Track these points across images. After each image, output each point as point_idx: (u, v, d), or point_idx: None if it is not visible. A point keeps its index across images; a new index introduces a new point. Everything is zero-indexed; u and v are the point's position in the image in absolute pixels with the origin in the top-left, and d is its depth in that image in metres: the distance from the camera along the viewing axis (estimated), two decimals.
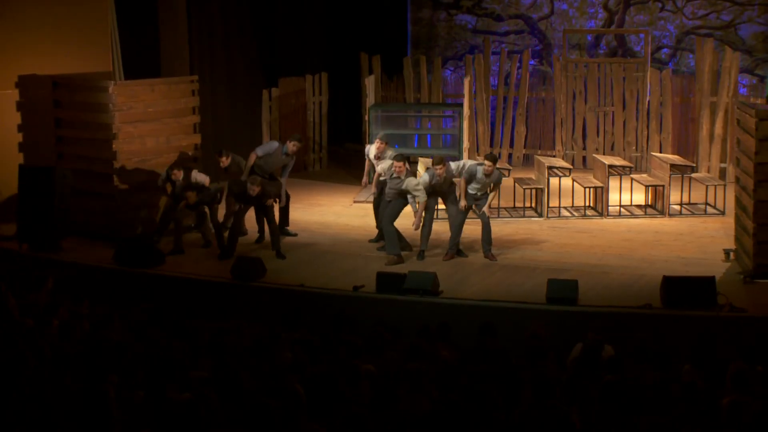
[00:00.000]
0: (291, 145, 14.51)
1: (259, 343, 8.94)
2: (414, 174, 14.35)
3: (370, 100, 18.13)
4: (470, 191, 13.47)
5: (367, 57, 20.01)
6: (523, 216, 15.65)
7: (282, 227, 14.46)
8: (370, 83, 18.40)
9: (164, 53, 17.62)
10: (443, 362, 8.51)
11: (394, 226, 13.47)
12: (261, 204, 13.77)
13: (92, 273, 13.28)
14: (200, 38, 18.10)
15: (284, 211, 14.68)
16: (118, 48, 16.20)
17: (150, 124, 14.64)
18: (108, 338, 9.01)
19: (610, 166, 15.60)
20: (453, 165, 13.64)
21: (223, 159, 14.60)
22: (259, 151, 14.62)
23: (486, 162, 13.41)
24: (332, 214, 16.10)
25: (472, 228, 13.64)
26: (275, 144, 14.86)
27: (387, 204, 13.54)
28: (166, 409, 6.51)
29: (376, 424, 6.66)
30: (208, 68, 18.14)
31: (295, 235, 14.66)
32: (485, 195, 13.57)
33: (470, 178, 13.43)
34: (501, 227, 14.87)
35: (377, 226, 14.13)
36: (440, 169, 13.25)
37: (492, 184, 13.52)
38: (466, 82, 17.89)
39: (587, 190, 15.78)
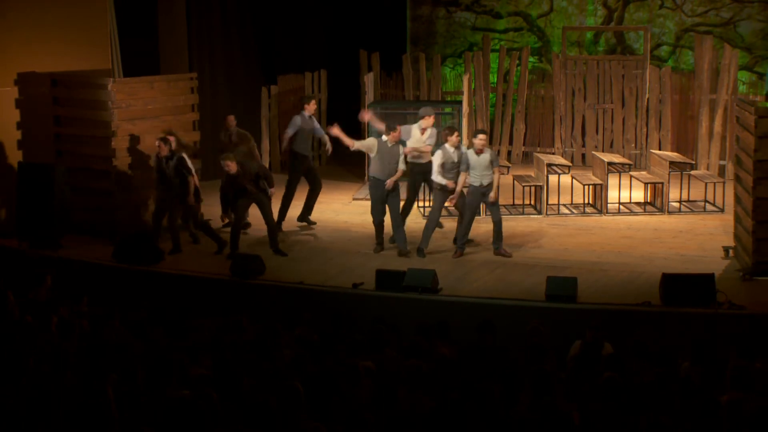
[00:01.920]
0: (310, 106, 15.03)
1: (258, 340, 8.94)
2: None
3: (369, 97, 18.13)
4: (474, 183, 13.29)
5: (366, 54, 20.00)
6: (523, 213, 15.65)
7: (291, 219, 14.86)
8: (369, 80, 18.40)
9: (163, 50, 17.61)
10: (443, 360, 8.51)
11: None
12: (245, 190, 13.59)
13: (91, 270, 13.29)
14: (199, 35, 18.09)
15: (284, 205, 14.78)
16: (117, 45, 16.19)
17: (149, 122, 14.63)
18: (107, 336, 9.01)
19: (610, 164, 15.60)
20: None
21: (231, 118, 14.96)
22: (290, 130, 14.87)
23: (479, 137, 13.24)
24: (331, 211, 16.09)
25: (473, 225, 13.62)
26: (296, 119, 15.00)
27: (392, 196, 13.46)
28: (165, 408, 6.51)
29: (375, 422, 6.66)
30: (207, 65, 18.13)
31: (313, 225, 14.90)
32: (490, 184, 13.28)
33: (467, 166, 13.30)
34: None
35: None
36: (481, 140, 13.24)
37: (491, 162, 13.23)
38: (466, 79, 17.89)
39: (586, 187, 15.79)
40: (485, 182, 13.23)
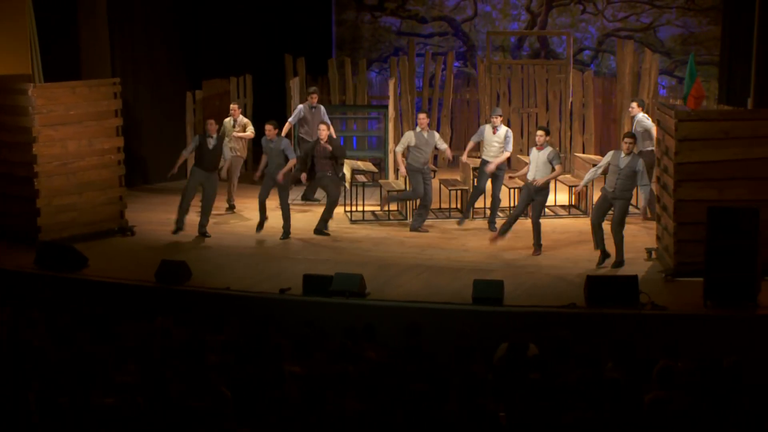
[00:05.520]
0: (311, 98, 16.63)
1: (185, 346, 8.87)
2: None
3: (295, 102, 18.08)
4: (528, 176, 13.73)
5: (292, 59, 19.94)
6: (449, 217, 15.73)
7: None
8: (294, 85, 18.36)
9: (85, 55, 17.35)
10: (370, 363, 8.52)
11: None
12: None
13: (13, 278, 13.06)
14: (122, 39, 17.88)
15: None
16: (37, 50, 15.89)
17: (71, 127, 14.41)
18: (30, 344, 8.87)
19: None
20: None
21: (235, 106, 16.33)
22: (292, 119, 16.45)
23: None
24: (258, 216, 15.96)
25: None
26: (300, 107, 16.65)
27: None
28: (89, 415, 6.43)
29: (303, 426, 6.65)
30: (130, 70, 17.93)
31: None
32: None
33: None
34: (426, 227, 14.93)
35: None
36: None
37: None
38: (391, 83, 17.93)
39: (512, 191, 15.90)
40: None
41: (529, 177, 13.66)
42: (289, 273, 12.76)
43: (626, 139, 12.91)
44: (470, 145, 15.33)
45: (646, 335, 10.63)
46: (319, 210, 15.60)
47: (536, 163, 13.54)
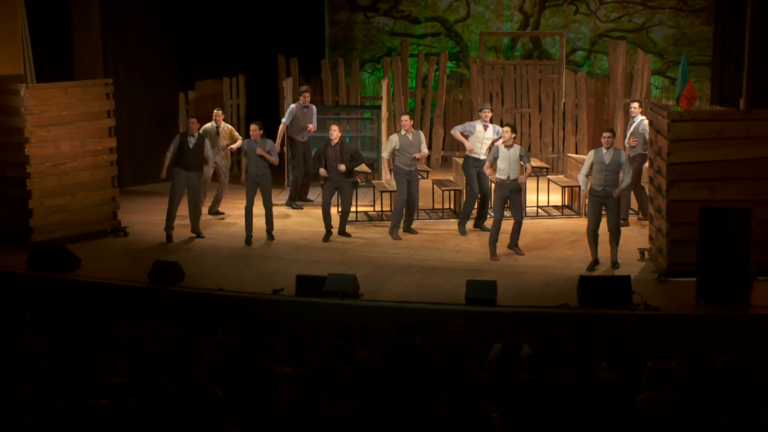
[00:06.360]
0: (304, 97, 16.57)
1: (178, 347, 8.85)
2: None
3: (288, 102, 18.06)
4: (500, 176, 13.43)
5: (285, 59, 19.94)
6: (442, 217, 15.73)
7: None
8: (287, 86, 18.34)
9: (77, 55, 17.34)
10: (363, 364, 8.52)
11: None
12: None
13: (5, 278, 13.04)
14: (114, 40, 17.87)
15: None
16: (29, 50, 15.88)
17: (64, 128, 14.39)
18: (22, 344, 8.85)
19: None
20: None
21: (219, 112, 16.17)
22: (285, 120, 16.58)
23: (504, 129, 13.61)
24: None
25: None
26: (292, 107, 16.64)
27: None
28: (82, 416, 6.42)
29: (297, 427, 6.64)
30: (123, 70, 17.92)
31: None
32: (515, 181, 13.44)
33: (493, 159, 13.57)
34: (419, 228, 14.93)
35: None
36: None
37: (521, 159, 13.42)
38: (384, 84, 17.93)
39: None
40: (511, 178, 13.46)
41: (503, 176, 13.45)
42: (283, 274, 12.75)
43: (605, 134, 12.93)
44: (458, 136, 15.03)
45: (639, 335, 10.63)
46: (312, 211, 15.65)
47: (509, 161, 13.36)
